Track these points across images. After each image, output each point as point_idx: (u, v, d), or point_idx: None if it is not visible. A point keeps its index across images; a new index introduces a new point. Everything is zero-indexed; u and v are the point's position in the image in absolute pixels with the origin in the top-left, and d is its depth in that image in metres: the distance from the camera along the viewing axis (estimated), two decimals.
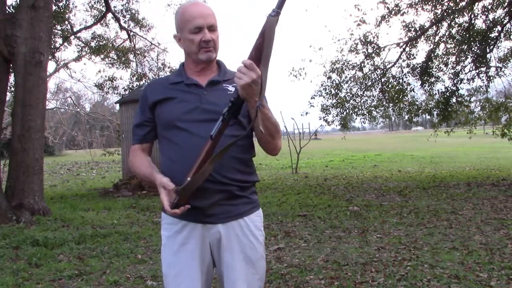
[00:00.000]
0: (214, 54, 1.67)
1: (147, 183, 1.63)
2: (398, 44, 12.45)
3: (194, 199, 1.61)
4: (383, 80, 12.90)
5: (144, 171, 1.69)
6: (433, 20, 12.01)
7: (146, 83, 13.05)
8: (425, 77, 12.22)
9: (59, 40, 12.94)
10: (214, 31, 1.64)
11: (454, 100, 12.29)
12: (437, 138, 13.66)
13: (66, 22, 12.92)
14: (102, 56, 14.33)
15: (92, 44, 14.01)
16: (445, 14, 11.44)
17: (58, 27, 12.32)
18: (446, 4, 11.58)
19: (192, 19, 1.61)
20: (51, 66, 16.66)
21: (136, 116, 1.79)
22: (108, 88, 14.61)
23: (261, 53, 1.43)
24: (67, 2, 12.26)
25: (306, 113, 14.02)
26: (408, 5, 11.88)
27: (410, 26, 12.09)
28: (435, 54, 12.38)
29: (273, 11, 1.43)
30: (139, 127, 1.77)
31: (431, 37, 12.40)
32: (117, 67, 14.48)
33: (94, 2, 13.05)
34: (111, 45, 14.14)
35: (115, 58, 14.28)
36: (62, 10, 11.92)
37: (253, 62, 1.44)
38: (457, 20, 11.74)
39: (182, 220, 1.68)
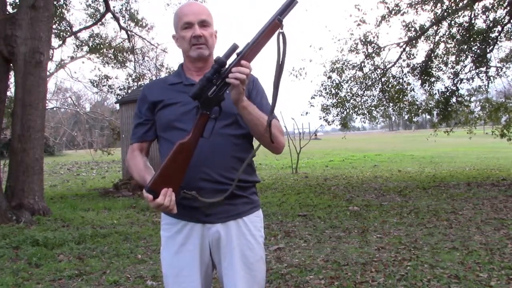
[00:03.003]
0: (206, 51, 1.67)
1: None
2: (398, 44, 12.45)
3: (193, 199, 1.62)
4: (383, 80, 12.90)
5: (137, 174, 1.69)
6: (433, 20, 12.00)
7: (145, 83, 13.08)
8: (425, 77, 12.22)
9: (56, 40, 12.95)
10: (206, 27, 1.65)
11: (454, 100, 12.29)
12: (437, 138, 13.65)
13: (64, 23, 12.93)
14: (98, 55, 14.30)
15: (90, 43, 14.00)
16: (445, 14, 11.44)
17: (55, 26, 12.30)
18: (446, 3, 11.57)
19: (183, 16, 1.65)
20: (50, 66, 16.64)
21: (135, 117, 1.80)
22: (103, 86, 14.63)
23: (279, 70, 1.48)
24: (64, 2, 12.26)
25: (306, 113, 14.05)
26: (408, 5, 11.88)
27: (410, 26, 12.09)
28: (435, 54, 12.38)
29: (283, 26, 1.48)
30: (137, 127, 1.78)
31: (431, 37, 12.40)
32: (112, 67, 14.48)
33: (92, 1, 13.05)
34: (108, 44, 14.13)
35: (112, 57, 14.26)
36: (59, 10, 11.91)
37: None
38: (457, 20, 11.74)
39: (182, 220, 1.69)
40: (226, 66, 1.51)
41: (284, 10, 1.52)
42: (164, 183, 1.51)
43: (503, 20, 11.33)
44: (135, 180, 10.84)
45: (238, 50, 1.51)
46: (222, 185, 1.63)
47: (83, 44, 14.29)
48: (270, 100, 1.56)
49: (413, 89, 13.06)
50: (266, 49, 1.55)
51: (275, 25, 1.50)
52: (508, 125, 12.03)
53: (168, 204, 1.50)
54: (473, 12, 11.31)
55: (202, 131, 1.55)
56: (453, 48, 12.31)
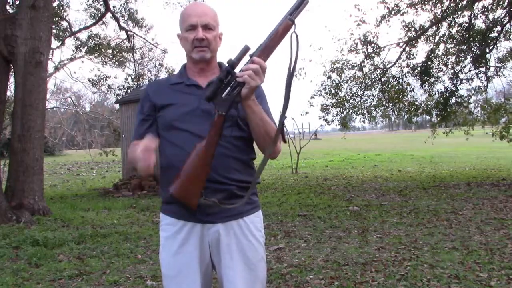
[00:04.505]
0: (208, 54, 1.67)
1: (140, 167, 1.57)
2: (398, 44, 12.45)
3: None
4: (383, 80, 12.90)
5: (132, 150, 1.59)
6: (433, 20, 12.01)
7: (145, 83, 13.10)
8: (425, 77, 12.22)
9: (55, 41, 12.95)
10: (210, 30, 1.64)
11: (453, 100, 12.29)
12: (437, 138, 13.62)
13: (65, 23, 12.94)
14: (96, 54, 14.31)
15: (89, 43, 14.00)
16: (444, 14, 11.44)
17: (54, 27, 12.30)
18: (446, 4, 11.57)
19: (187, 17, 1.64)
20: (50, 66, 16.60)
21: (138, 114, 1.79)
22: (101, 86, 14.67)
23: (292, 70, 1.49)
24: (61, 2, 12.25)
25: (306, 112, 14.06)
26: (408, 5, 11.88)
27: (410, 26, 12.10)
28: (435, 54, 12.38)
29: (295, 26, 1.50)
30: (140, 124, 1.76)
31: (431, 37, 12.40)
32: (110, 65, 14.50)
33: (92, 1, 13.05)
34: (107, 44, 14.13)
35: (111, 57, 14.26)
36: (57, 10, 11.90)
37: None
38: (456, 20, 11.74)
39: (181, 220, 1.69)
40: (239, 67, 1.52)
41: (295, 10, 1.53)
42: (187, 189, 1.53)
43: (502, 20, 11.33)
44: (136, 180, 10.80)
45: (250, 52, 1.52)
46: (222, 185, 1.63)
47: (82, 45, 14.29)
48: (275, 102, 1.61)
49: (413, 89, 13.09)
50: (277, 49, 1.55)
51: (287, 25, 1.52)
52: (507, 126, 12.02)
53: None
54: (472, 12, 11.31)
55: (220, 133, 1.55)
56: (452, 48, 12.31)
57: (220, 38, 1.72)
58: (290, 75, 1.51)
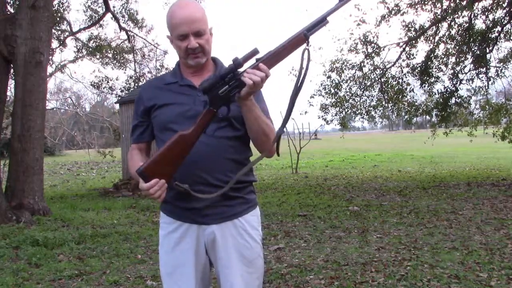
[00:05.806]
0: (203, 59, 1.64)
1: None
2: (398, 44, 12.45)
3: (190, 200, 1.63)
4: (382, 80, 12.90)
5: (133, 172, 1.66)
6: (433, 20, 12.01)
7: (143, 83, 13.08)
8: (425, 77, 12.22)
9: (55, 41, 12.96)
10: (201, 36, 1.60)
11: (453, 100, 12.28)
12: (436, 138, 13.60)
13: (64, 23, 12.96)
14: (98, 56, 14.32)
15: (90, 44, 14.01)
16: (444, 14, 11.43)
17: (54, 27, 12.32)
18: (445, 4, 11.56)
19: (177, 26, 1.58)
20: (49, 67, 16.60)
21: (133, 118, 1.83)
22: (104, 88, 14.69)
23: (299, 86, 1.49)
24: (60, 2, 12.25)
25: (305, 112, 14.03)
26: (408, 5, 11.88)
27: (410, 26, 12.10)
28: (435, 54, 12.38)
29: (309, 42, 1.49)
30: (134, 128, 1.79)
31: (431, 37, 12.40)
32: (112, 68, 14.53)
33: (91, 3, 13.05)
34: (108, 45, 14.14)
35: (112, 59, 14.27)
36: (57, 10, 11.90)
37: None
38: (457, 20, 11.74)
39: (178, 220, 1.70)
40: (242, 68, 1.50)
41: (313, 27, 1.51)
42: (157, 170, 1.50)
43: (502, 20, 11.33)
44: (135, 180, 10.90)
45: (258, 56, 1.50)
46: (217, 188, 1.62)
47: (83, 47, 14.29)
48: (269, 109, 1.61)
49: (413, 90, 13.08)
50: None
51: (300, 39, 1.50)
52: (508, 127, 12.01)
53: (153, 193, 1.50)
54: (472, 12, 11.30)
55: (205, 127, 1.54)
56: (453, 49, 12.31)
57: (211, 33, 1.66)
58: (296, 91, 1.50)
